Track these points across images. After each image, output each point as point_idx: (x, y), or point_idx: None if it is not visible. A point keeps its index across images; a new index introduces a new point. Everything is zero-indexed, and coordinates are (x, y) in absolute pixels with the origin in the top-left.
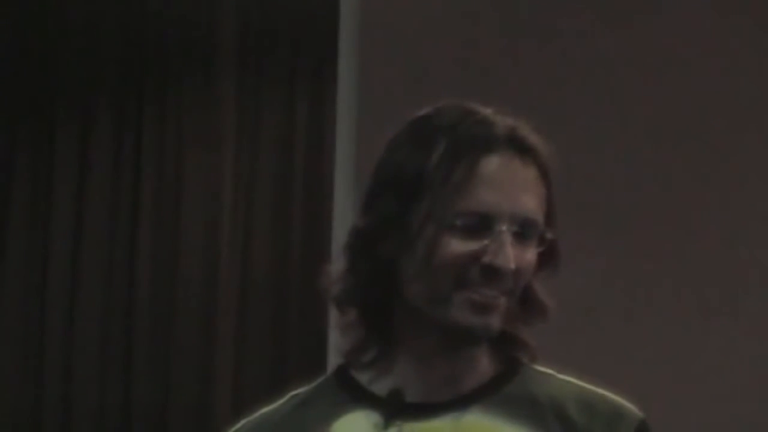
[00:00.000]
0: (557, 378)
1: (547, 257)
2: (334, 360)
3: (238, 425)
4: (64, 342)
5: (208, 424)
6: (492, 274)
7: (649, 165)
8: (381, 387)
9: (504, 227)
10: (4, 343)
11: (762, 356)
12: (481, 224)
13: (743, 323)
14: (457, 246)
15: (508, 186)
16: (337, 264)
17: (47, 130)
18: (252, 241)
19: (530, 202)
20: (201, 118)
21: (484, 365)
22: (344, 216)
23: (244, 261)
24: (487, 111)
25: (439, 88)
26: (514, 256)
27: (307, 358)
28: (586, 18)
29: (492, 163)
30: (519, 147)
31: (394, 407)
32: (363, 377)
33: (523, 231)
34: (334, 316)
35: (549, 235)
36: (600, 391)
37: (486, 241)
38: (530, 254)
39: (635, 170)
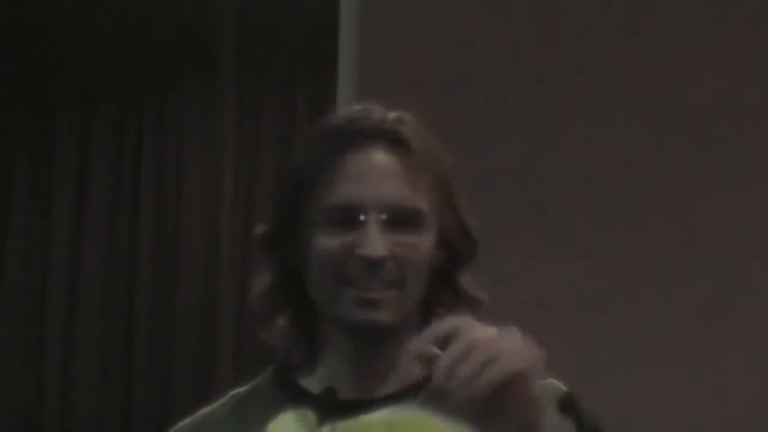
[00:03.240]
0: None
1: (460, 245)
2: None
3: (178, 426)
4: (64, 342)
5: None
6: (366, 265)
7: (648, 164)
8: (317, 386)
9: (367, 217)
10: (4, 343)
11: (762, 356)
12: (348, 218)
13: (742, 323)
14: (329, 242)
15: (371, 177)
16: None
17: (47, 130)
18: (252, 241)
19: (398, 190)
20: (201, 118)
21: (414, 360)
22: None
23: (244, 261)
24: (362, 107)
25: (439, 87)
26: (390, 243)
27: None
28: (586, 17)
29: (356, 158)
30: (388, 139)
31: (327, 405)
32: (302, 379)
33: (396, 218)
34: None
35: (432, 220)
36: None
37: (354, 234)
38: (414, 241)
39: (633, 169)
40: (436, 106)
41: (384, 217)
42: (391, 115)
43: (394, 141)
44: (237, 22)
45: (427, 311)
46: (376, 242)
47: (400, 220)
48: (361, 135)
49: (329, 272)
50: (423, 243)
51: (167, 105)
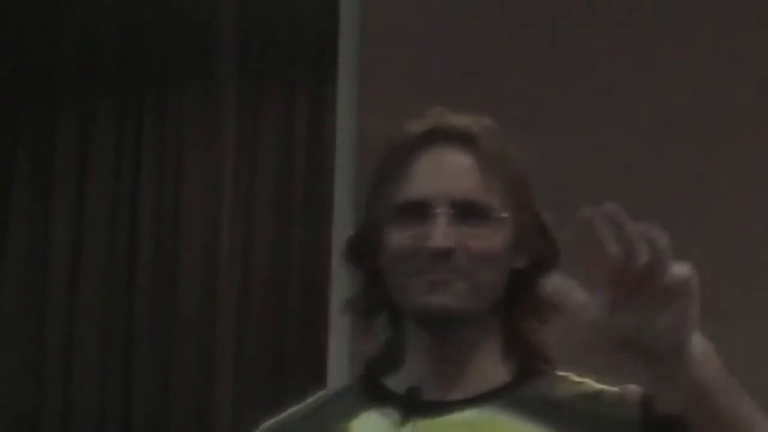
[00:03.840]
0: (572, 379)
1: (540, 250)
2: (333, 360)
3: (267, 423)
4: (64, 342)
5: (208, 424)
6: (434, 256)
7: (649, 164)
8: (401, 385)
9: (435, 210)
10: (4, 343)
11: (762, 356)
12: (418, 212)
13: (742, 323)
14: (400, 237)
15: (441, 173)
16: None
17: (47, 129)
18: (252, 241)
19: (467, 184)
20: (201, 119)
21: (496, 366)
22: (344, 216)
23: (244, 261)
24: (437, 111)
25: (439, 87)
26: (459, 235)
27: (307, 359)
28: (587, 17)
29: (427, 157)
30: (459, 139)
31: (410, 404)
32: (388, 380)
33: (465, 211)
34: (334, 316)
35: (504, 215)
36: (611, 386)
37: (424, 227)
38: (483, 233)
39: (633, 170)
40: (436, 106)
41: (454, 210)
42: (465, 118)
43: (465, 140)
44: (237, 22)
45: (508, 317)
46: (443, 234)
47: (469, 212)
48: (432, 135)
49: (400, 265)
50: (494, 237)
51: (167, 105)
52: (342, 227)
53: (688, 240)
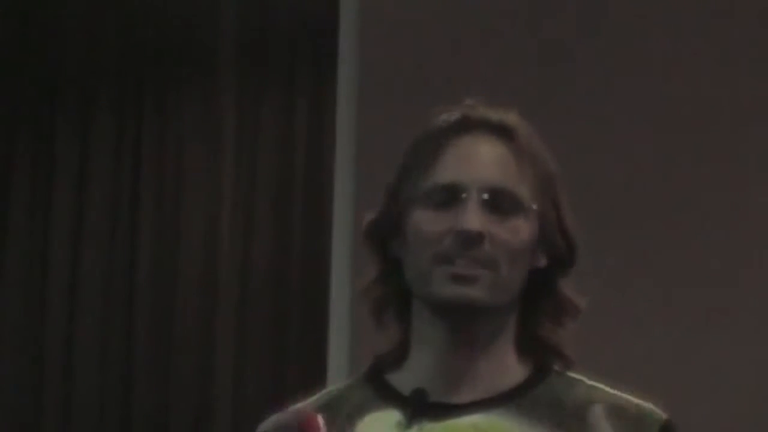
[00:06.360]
0: (585, 384)
1: (560, 248)
2: (334, 360)
3: (269, 421)
4: (64, 342)
5: (208, 424)
6: (461, 240)
7: (652, 167)
8: (407, 384)
9: (468, 194)
10: (4, 343)
11: (762, 356)
12: (450, 197)
13: (745, 325)
14: (428, 220)
15: (474, 159)
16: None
17: (47, 129)
18: (252, 241)
19: (498, 173)
20: (201, 118)
21: (508, 367)
22: (344, 216)
23: (244, 261)
24: (468, 102)
25: (439, 88)
26: (488, 223)
27: (307, 359)
28: (586, 16)
29: (460, 143)
30: (493, 128)
31: (416, 407)
32: (393, 376)
33: (496, 200)
34: (334, 316)
35: (534, 206)
36: (626, 396)
37: (454, 212)
38: (512, 225)
39: (636, 172)
40: (436, 106)
41: (485, 196)
42: (497, 110)
43: (499, 130)
44: (237, 21)
45: (526, 317)
46: (474, 217)
47: (500, 202)
48: (467, 123)
49: (426, 249)
50: (521, 230)
51: (167, 105)
52: (342, 226)
53: (687, 239)
